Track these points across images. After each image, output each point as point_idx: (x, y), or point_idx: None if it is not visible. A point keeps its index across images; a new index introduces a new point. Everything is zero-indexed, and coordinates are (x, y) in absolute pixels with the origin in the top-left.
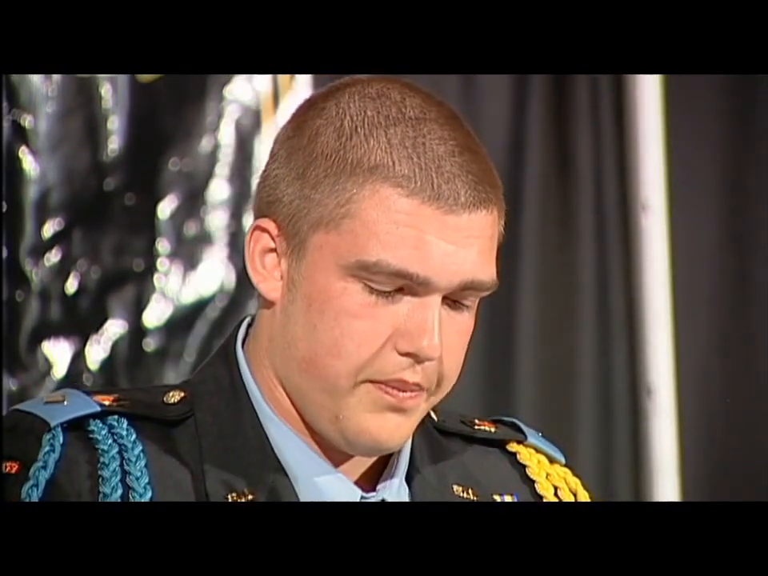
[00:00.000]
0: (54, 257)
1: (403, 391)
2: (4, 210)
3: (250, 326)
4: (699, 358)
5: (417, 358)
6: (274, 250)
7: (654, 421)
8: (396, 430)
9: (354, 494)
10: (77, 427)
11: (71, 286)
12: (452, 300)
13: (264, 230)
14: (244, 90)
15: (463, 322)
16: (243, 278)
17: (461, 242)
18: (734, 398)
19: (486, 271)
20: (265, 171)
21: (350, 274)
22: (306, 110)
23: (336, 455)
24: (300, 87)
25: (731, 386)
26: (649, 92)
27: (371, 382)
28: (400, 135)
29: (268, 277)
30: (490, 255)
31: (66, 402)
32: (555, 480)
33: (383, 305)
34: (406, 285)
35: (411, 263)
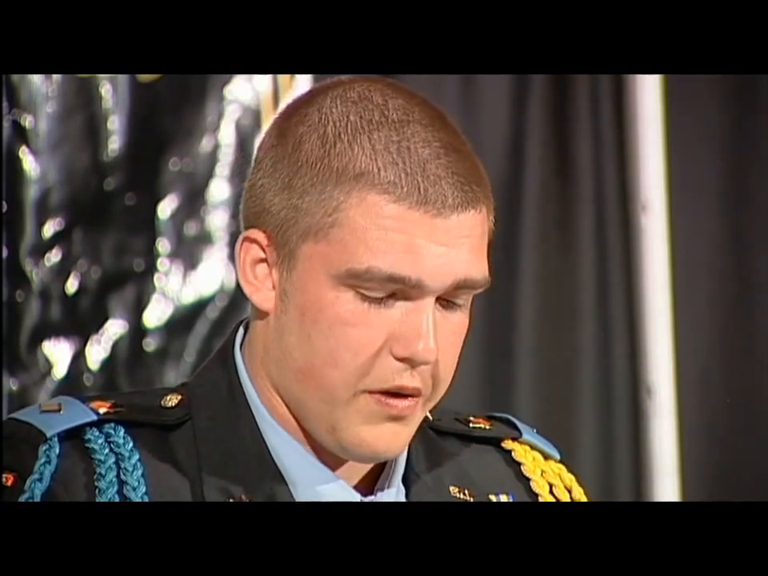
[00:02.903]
0: (54, 257)
1: (402, 398)
2: (4, 210)
3: (247, 328)
4: (699, 358)
5: (413, 363)
6: (264, 260)
7: (653, 421)
8: (393, 440)
9: (352, 499)
10: (73, 436)
11: (71, 285)
12: (445, 300)
13: (253, 240)
14: (244, 89)
15: (457, 322)
16: None
17: (451, 243)
18: (734, 398)
19: (478, 269)
20: (250, 181)
21: (342, 283)
22: (289, 117)
23: (334, 460)
24: (300, 87)
25: (731, 386)
26: (649, 92)
27: (369, 392)
28: (384, 140)
29: (260, 287)
30: (481, 253)
31: (62, 411)
32: (550, 477)
33: (376, 311)
34: (399, 289)
35: (402, 267)
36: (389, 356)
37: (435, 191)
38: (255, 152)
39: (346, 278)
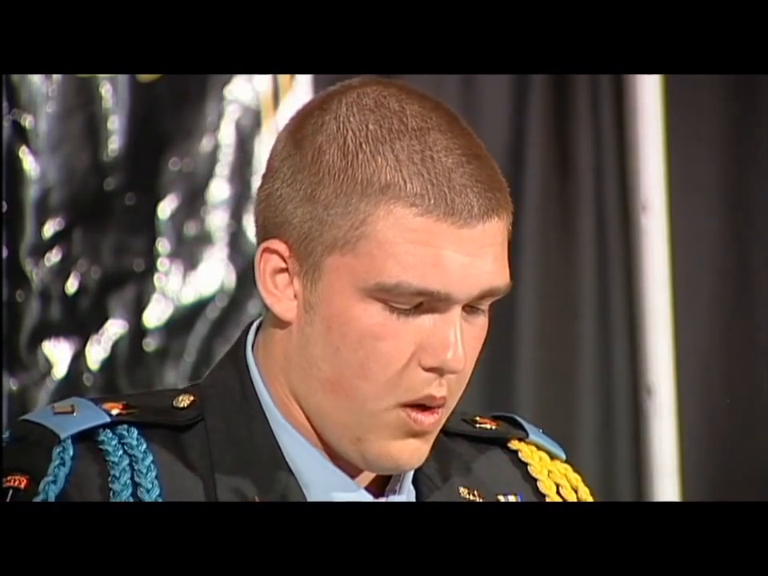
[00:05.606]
0: (54, 257)
1: (429, 412)
2: (4, 209)
3: (258, 329)
4: (699, 358)
5: (441, 372)
6: (285, 270)
7: (653, 421)
8: (416, 453)
9: (364, 500)
10: (86, 438)
11: (71, 285)
12: (469, 306)
13: (274, 251)
14: (244, 90)
15: (480, 327)
16: (243, 277)
17: (477, 253)
18: (734, 398)
19: (501, 277)
20: (265, 189)
21: (369, 295)
22: (304, 125)
23: (347, 464)
24: (300, 87)
25: (731, 386)
26: (649, 92)
27: (401, 406)
28: (407, 150)
29: (282, 297)
30: (503, 260)
31: (75, 413)
32: (557, 477)
33: (404, 322)
34: (426, 301)
35: (431, 281)
36: (417, 367)
37: (462, 201)
38: (268, 160)
39: (375, 291)
